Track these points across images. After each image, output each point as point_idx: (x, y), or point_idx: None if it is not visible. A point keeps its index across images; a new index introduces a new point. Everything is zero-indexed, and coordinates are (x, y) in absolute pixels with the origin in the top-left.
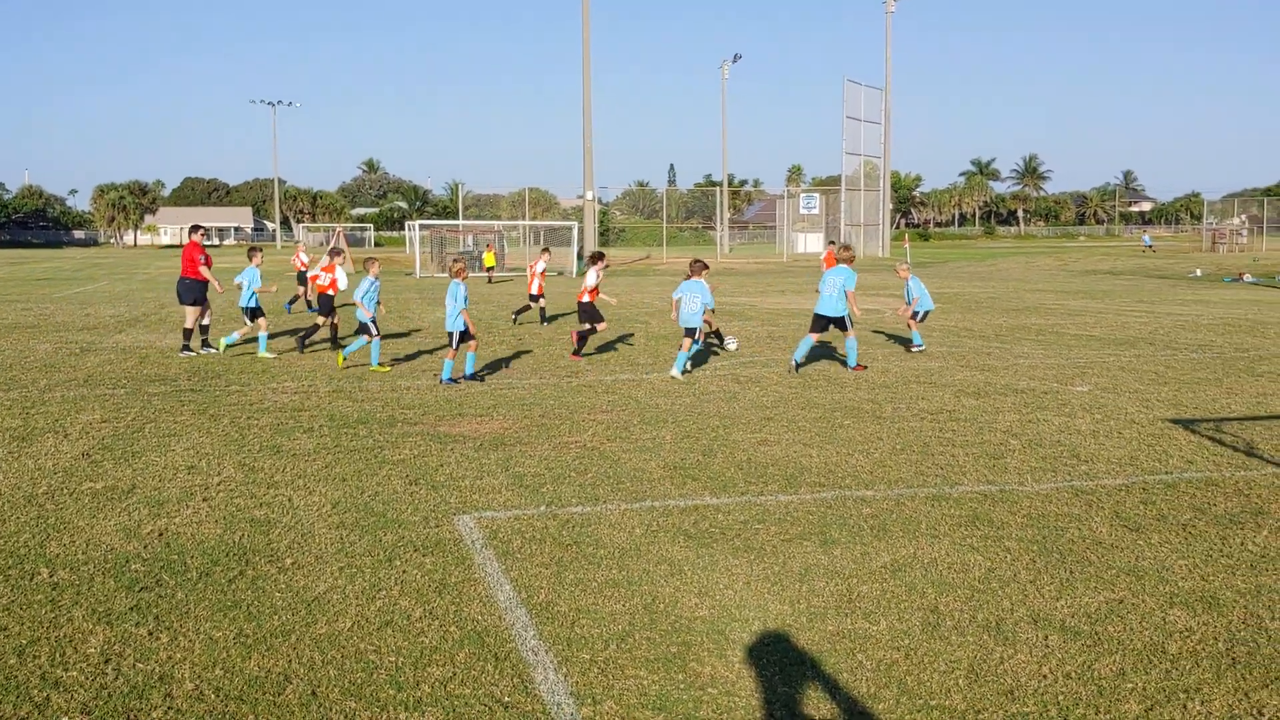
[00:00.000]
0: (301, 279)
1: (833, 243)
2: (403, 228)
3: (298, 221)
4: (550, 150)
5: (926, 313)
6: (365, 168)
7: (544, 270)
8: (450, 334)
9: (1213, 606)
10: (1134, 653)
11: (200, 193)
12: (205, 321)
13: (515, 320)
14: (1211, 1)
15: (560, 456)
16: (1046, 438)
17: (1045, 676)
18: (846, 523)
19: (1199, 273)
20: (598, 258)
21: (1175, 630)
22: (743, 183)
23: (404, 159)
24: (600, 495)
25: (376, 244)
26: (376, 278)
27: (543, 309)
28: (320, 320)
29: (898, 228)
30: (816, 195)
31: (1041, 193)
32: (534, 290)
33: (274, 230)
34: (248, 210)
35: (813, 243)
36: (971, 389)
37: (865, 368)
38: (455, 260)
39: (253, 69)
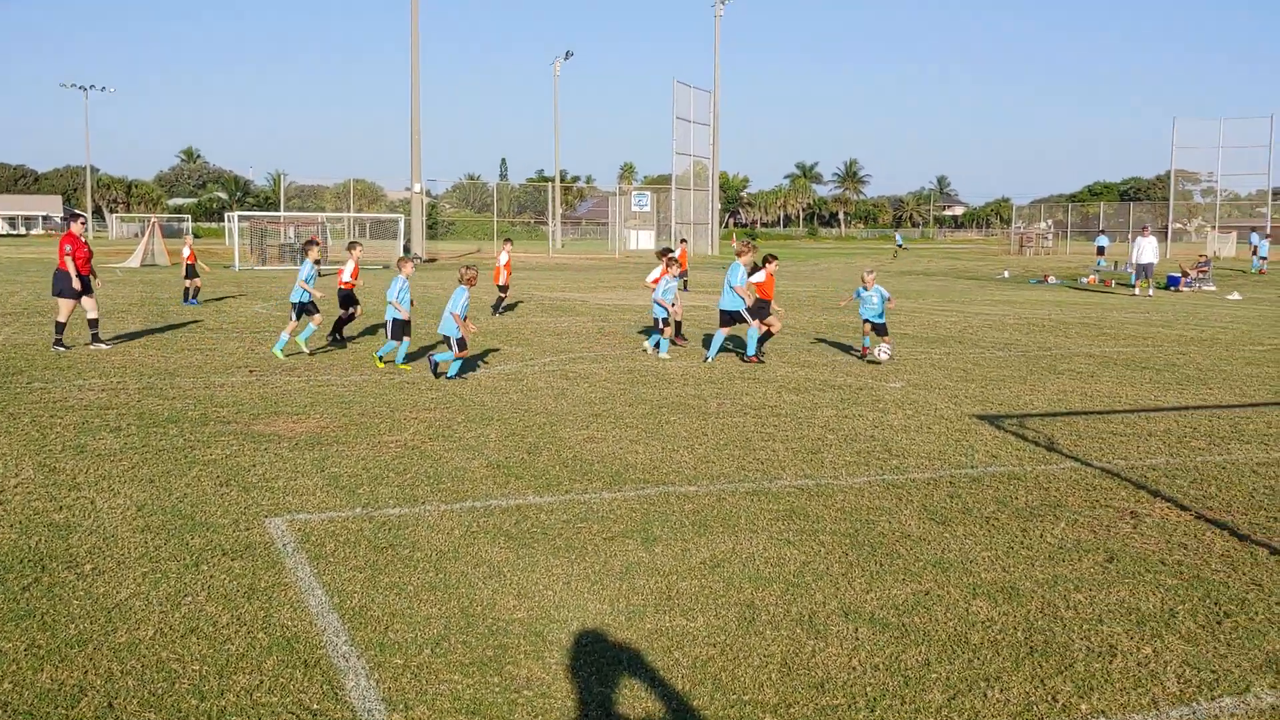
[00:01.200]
0: (191, 272)
1: (684, 241)
2: (222, 219)
3: (111, 211)
4: (378, 141)
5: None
6: (184, 157)
7: (508, 261)
8: (446, 337)
9: (1013, 597)
10: (939, 643)
11: (5, 180)
12: (92, 315)
13: (496, 312)
14: (1018, 17)
15: (379, 456)
16: (861, 433)
17: (854, 668)
18: (669, 519)
19: (1007, 274)
20: (771, 258)
21: (977, 620)
22: (575, 179)
23: (225, 148)
24: (419, 496)
25: (195, 235)
26: (408, 277)
27: (501, 299)
28: (341, 312)
29: (726, 227)
30: (648, 193)
31: (861, 196)
32: (501, 281)
33: (85, 220)
34: (57, 199)
35: (644, 240)
36: (793, 385)
37: (761, 360)
38: (468, 268)
39: (63, 52)
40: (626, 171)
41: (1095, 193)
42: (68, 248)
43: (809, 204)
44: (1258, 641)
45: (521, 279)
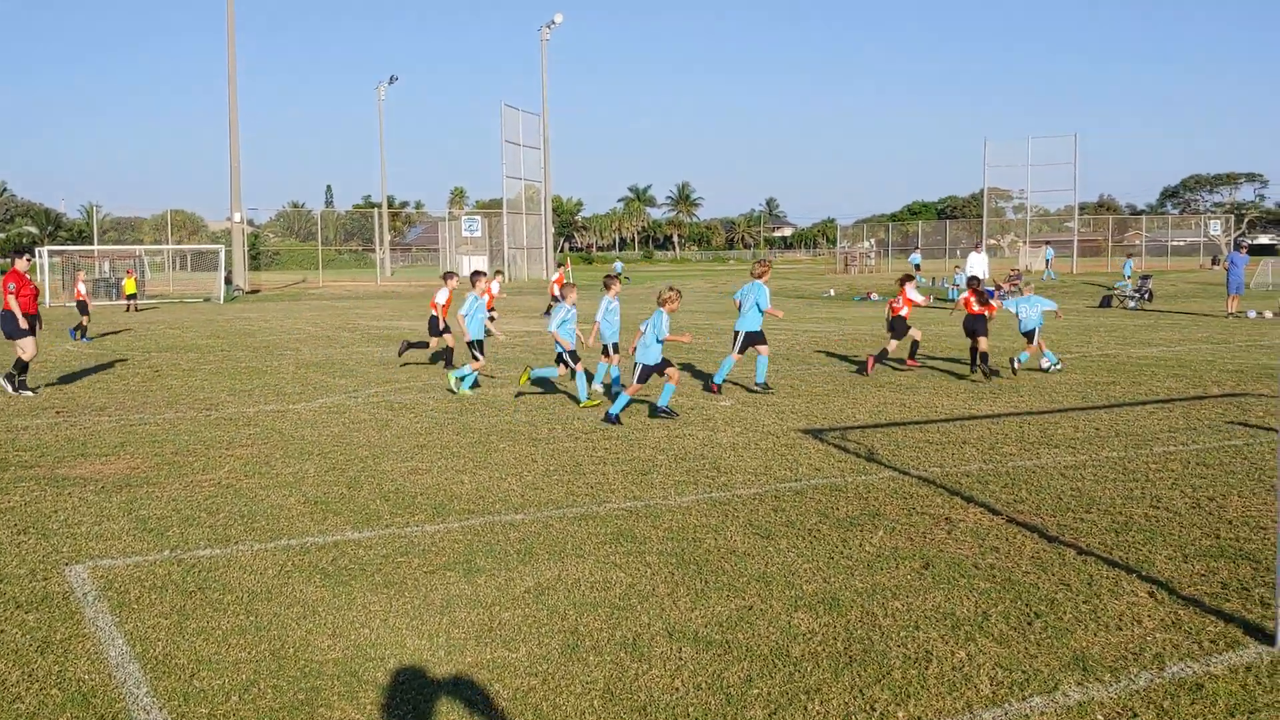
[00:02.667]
0: (83, 308)
1: (560, 265)
2: (33, 254)
3: None
4: (196, 170)
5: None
6: None
7: (498, 291)
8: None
9: (833, 607)
10: (761, 658)
11: None
12: (25, 357)
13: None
14: (839, 40)
15: (191, 496)
16: (691, 451)
17: (678, 689)
18: (493, 549)
19: (832, 292)
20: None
21: (799, 633)
22: (404, 204)
23: (34, 181)
24: (232, 536)
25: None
26: (573, 305)
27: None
28: (436, 341)
29: (561, 251)
30: (479, 218)
31: (694, 219)
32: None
33: (32, 256)
34: None
35: (477, 265)
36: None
37: (770, 389)
38: (671, 289)
39: None
40: (457, 196)
41: (914, 212)
42: (11, 286)
43: (644, 227)
44: (1066, 640)
45: (348, 308)
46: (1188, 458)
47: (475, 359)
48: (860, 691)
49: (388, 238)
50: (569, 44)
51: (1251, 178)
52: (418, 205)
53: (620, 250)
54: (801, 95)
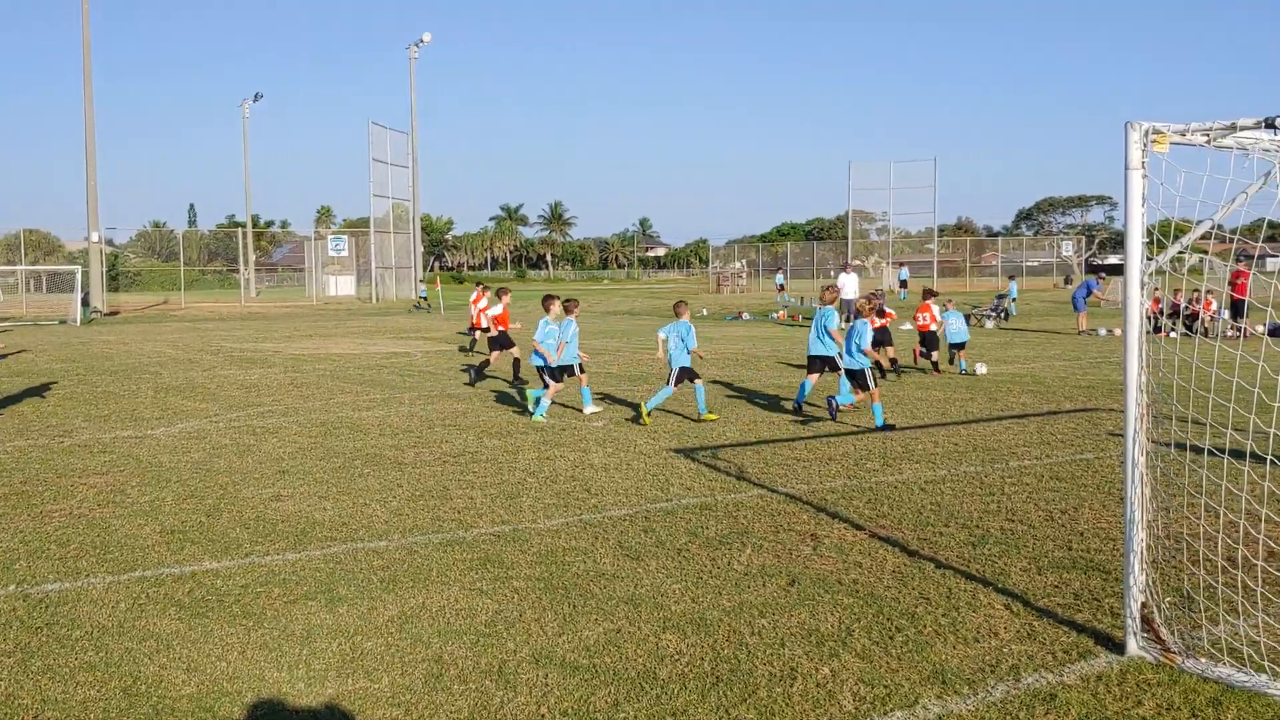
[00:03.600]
0: None
1: (480, 284)
2: None
3: None
4: (52, 189)
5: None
6: None
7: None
8: (568, 367)
9: (701, 628)
10: (628, 681)
11: None
12: None
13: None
14: (704, 59)
15: (40, 528)
16: (562, 473)
17: (543, 715)
18: (355, 577)
19: (705, 312)
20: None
21: (667, 654)
22: (270, 224)
23: None
24: (83, 569)
25: None
26: (556, 319)
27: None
28: (495, 355)
29: (430, 270)
30: (345, 237)
31: (567, 238)
32: (482, 325)
33: None
34: None
35: (344, 285)
36: (495, 429)
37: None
38: (569, 300)
39: None
40: (323, 215)
41: (783, 233)
42: None
43: (516, 246)
44: (925, 653)
45: (211, 330)
46: (1042, 471)
47: (548, 384)
48: (726, 711)
49: (253, 258)
50: (439, 63)
51: (1101, 200)
52: (283, 224)
53: (492, 270)
54: (674, 116)
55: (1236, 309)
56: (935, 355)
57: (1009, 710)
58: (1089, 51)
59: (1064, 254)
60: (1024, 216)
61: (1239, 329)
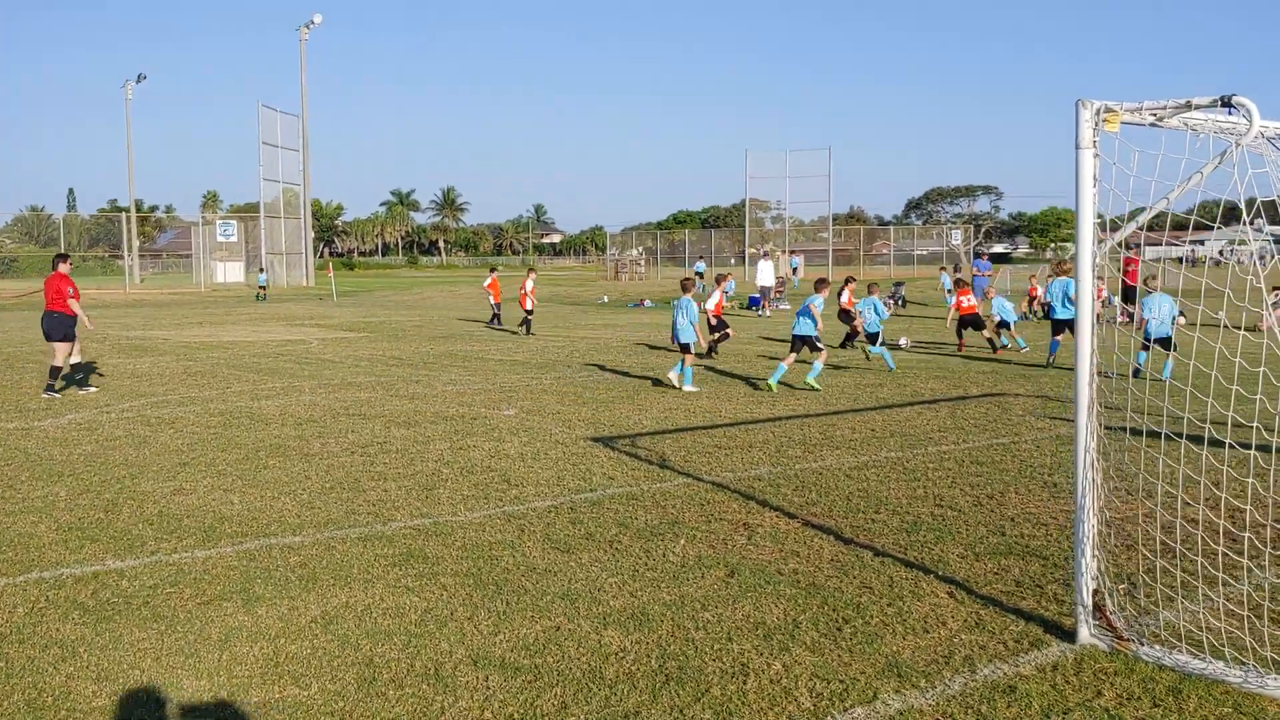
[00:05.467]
0: None
1: (494, 269)
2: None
3: None
4: None
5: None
6: None
7: (533, 288)
8: (684, 345)
9: (644, 623)
10: (574, 682)
11: None
12: (76, 360)
13: (529, 332)
14: (600, 45)
15: None
16: (478, 464)
17: None
18: (272, 575)
19: (606, 299)
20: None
21: (611, 652)
22: (154, 209)
23: None
24: None
25: None
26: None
27: (529, 321)
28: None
29: (321, 256)
30: (234, 222)
31: (461, 224)
32: (527, 306)
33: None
34: None
35: (233, 272)
36: (402, 418)
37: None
38: (687, 279)
39: None
40: (210, 200)
41: (680, 220)
42: (69, 289)
43: (408, 232)
44: (876, 645)
45: (95, 317)
46: (961, 456)
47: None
48: (681, 712)
49: (136, 244)
50: (331, 46)
51: (987, 190)
52: (168, 209)
53: (384, 255)
54: (568, 103)
55: (1128, 294)
56: (984, 333)
57: (970, 704)
58: (974, 42)
59: (953, 243)
60: (913, 206)
61: (1130, 315)
